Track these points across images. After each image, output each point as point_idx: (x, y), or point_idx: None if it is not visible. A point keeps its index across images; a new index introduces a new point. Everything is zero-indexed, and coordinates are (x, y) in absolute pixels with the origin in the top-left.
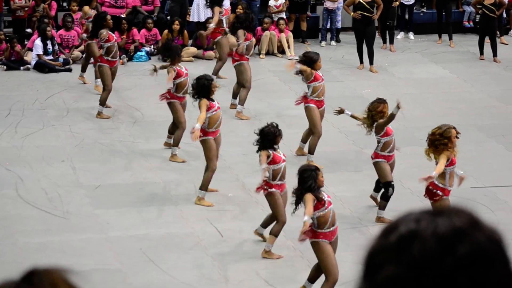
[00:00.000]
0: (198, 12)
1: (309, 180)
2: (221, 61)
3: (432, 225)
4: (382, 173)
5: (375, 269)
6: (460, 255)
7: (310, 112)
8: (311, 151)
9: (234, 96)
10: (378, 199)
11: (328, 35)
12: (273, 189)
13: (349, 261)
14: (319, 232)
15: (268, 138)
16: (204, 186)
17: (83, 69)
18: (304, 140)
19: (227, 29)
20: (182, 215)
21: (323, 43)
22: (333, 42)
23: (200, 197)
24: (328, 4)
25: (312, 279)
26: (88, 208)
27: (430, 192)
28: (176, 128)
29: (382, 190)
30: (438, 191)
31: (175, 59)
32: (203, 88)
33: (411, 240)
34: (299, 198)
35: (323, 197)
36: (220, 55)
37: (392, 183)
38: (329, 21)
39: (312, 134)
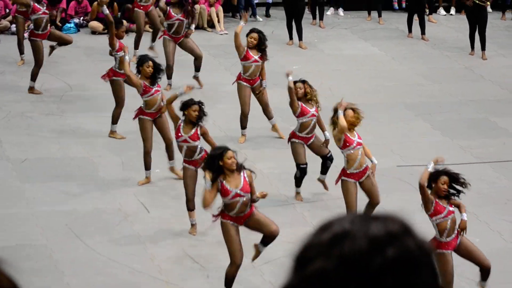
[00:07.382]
0: None
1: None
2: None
3: (365, 227)
4: (294, 154)
5: (305, 263)
6: (389, 257)
7: (239, 90)
8: (242, 126)
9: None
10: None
11: (259, 10)
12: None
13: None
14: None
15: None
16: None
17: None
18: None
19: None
20: (109, 190)
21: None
22: (259, 18)
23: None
24: None
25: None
26: (15, 182)
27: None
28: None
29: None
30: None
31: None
32: None
33: (343, 238)
34: None
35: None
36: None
37: (302, 166)
38: None
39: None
